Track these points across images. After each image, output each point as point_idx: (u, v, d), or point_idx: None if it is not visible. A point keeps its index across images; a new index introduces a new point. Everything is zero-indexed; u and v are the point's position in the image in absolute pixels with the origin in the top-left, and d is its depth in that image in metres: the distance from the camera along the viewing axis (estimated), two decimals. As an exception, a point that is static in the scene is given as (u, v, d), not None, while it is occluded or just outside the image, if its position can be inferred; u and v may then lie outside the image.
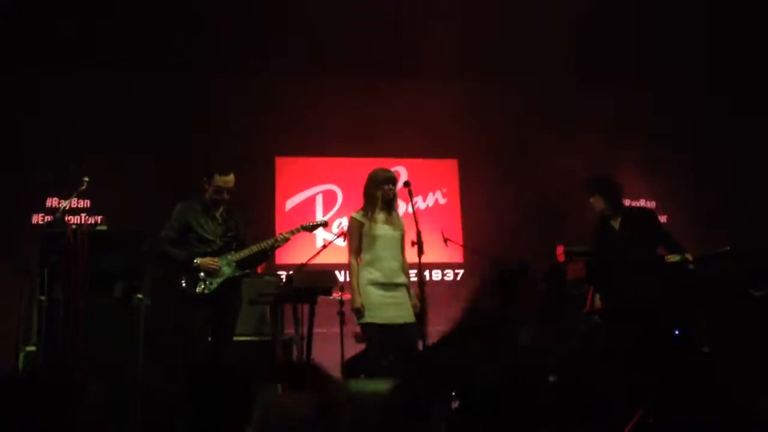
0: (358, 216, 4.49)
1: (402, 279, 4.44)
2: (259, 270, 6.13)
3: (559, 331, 5.75)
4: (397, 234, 4.49)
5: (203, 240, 4.49)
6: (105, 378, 4.16)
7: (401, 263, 4.49)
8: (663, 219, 7.00)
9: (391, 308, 4.31)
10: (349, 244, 4.49)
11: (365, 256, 4.42)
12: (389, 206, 4.51)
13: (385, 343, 4.30)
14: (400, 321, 4.33)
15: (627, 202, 7.05)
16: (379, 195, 4.46)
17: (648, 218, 5.04)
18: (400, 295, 4.38)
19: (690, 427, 3.31)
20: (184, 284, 4.36)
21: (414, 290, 4.50)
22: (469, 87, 7.72)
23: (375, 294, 4.33)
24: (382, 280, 4.34)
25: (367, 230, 4.42)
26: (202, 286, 4.37)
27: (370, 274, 4.37)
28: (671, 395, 3.41)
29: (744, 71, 7.57)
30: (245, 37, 6.79)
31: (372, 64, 7.52)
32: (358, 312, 4.33)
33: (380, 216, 4.47)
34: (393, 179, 4.56)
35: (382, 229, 4.44)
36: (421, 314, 4.41)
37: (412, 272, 4.57)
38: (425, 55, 7.55)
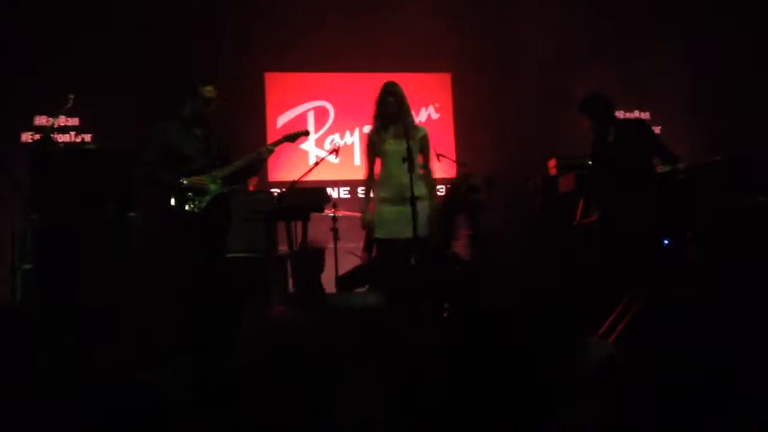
0: (370, 134, 4.46)
1: (414, 192, 4.28)
2: (251, 187, 6.13)
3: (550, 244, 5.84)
4: (406, 146, 4.34)
5: (186, 158, 4.39)
6: (99, 297, 4.23)
7: (414, 175, 4.34)
8: (657, 130, 6.96)
9: (396, 223, 4.30)
10: (363, 162, 4.50)
11: (380, 173, 4.38)
12: (393, 119, 4.42)
13: (389, 257, 4.34)
14: (404, 236, 4.31)
15: (621, 114, 7.05)
16: (378, 109, 4.40)
17: (641, 129, 5.04)
18: (409, 209, 4.29)
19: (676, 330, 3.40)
20: (173, 204, 4.34)
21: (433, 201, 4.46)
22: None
23: (383, 210, 4.33)
24: (391, 196, 4.31)
25: (378, 147, 4.36)
26: (192, 206, 4.34)
27: (381, 191, 4.35)
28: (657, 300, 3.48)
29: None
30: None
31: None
32: (367, 227, 4.35)
33: (390, 130, 4.41)
34: (389, 92, 4.43)
35: (389, 144, 4.38)
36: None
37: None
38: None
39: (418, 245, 4.32)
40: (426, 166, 4.50)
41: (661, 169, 4.58)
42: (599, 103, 4.86)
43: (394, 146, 4.37)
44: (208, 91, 4.41)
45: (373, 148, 4.41)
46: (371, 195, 4.45)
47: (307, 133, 5.07)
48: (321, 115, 7.56)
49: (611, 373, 2.14)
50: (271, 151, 4.61)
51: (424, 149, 4.48)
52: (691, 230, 4.50)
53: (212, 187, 4.41)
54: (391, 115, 4.41)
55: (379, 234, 4.34)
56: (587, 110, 4.86)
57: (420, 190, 4.37)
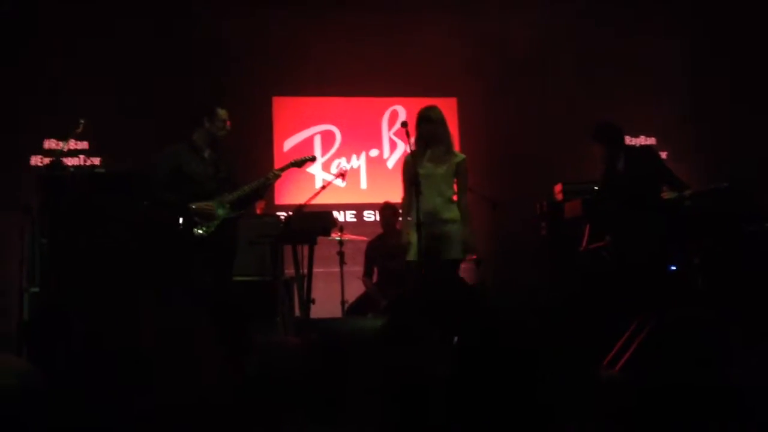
0: (408, 156, 4.51)
1: (446, 215, 4.41)
2: (258, 210, 6.16)
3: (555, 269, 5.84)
4: (441, 171, 4.44)
5: (194, 182, 4.42)
6: (104, 320, 4.23)
7: (446, 199, 4.45)
8: (662, 155, 6.97)
9: (429, 245, 4.31)
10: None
11: (416, 196, 4.42)
12: (430, 144, 4.46)
13: (422, 280, 4.35)
14: (441, 257, 4.37)
15: (627, 140, 7.06)
16: (416, 134, 4.45)
17: (649, 156, 5.11)
18: (443, 232, 4.38)
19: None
20: (181, 228, 4.36)
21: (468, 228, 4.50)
22: (469, 24, 7.58)
23: (414, 233, 4.32)
24: (423, 218, 4.30)
25: (414, 170, 4.38)
26: (200, 231, 4.37)
27: (414, 214, 4.38)
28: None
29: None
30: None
31: (372, 1, 7.37)
32: (407, 248, 4.41)
33: (426, 154, 4.45)
34: (424, 117, 4.49)
35: (424, 167, 4.41)
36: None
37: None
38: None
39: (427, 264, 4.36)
40: (460, 192, 4.52)
41: (668, 195, 4.60)
42: (610, 131, 4.95)
43: (431, 169, 4.43)
44: (223, 113, 4.49)
45: (409, 169, 4.44)
46: (408, 217, 4.46)
47: (313, 159, 5.13)
48: (328, 139, 7.61)
49: (614, 399, 2.14)
50: (278, 176, 4.67)
51: (459, 176, 4.50)
52: (698, 256, 4.50)
53: (220, 211, 4.44)
54: (425, 141, 4.47)
55: (409, 256, 4.37)
56: (599, 138, 4.94)
57: (452, 213, 4.43)
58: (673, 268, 5.27)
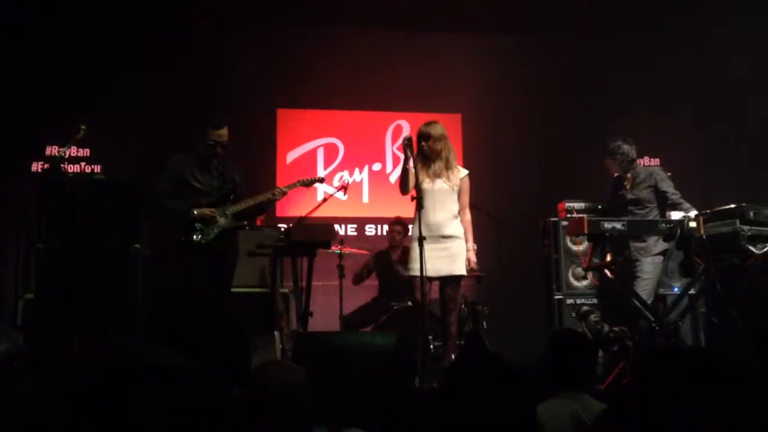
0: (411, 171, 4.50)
1: (450, 231, 4.41)
2: (258, 222, 6.12)
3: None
4: (445, 187, 4.45)
5: (199, 193, 4.45)
6: (101, 328, 4.18)
7: (450, 216, 4.44)
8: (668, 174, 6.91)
9: (432, 261, 4.27)
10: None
11: (418, 211, 4.38)
12: (430, 160, 4.47)
13: (425, 295, 4.33)
14: (440, 274, 4.37)
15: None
16: (416, 150, 4.45)
17: (656, 178, 5.09)
18: (446, 247, 4.38)
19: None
20: (182, 234, 4.35)
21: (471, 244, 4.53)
22: (474, 41, 7.58)
23: (416, 248, 4.29)
24: (426, 233, 4.28)
25: (419, 185, 4.36)
26: (199, 236, 4.36)
27: (416, 228, 4.34)
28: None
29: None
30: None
31: (377, 16, 7.37)
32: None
33: (429, 169, 4.46)
34: (423, 135, 4.51)
35: (427, 183, 4.43)
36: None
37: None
38: (431, 8, 7.41)
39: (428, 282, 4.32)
40: (462, 208, 4.54)
41: (671, 217, 4.57)
42: (619, 147, 4.93)
43: (429, 185, 4.42)
44: (214, 134, 4.45)
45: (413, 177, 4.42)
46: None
47: (321, 180, 5.20)
48: (331, 151, 7.58)
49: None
50: (284, 194, 4.71)
51: (462, 191, 4.53)
52: (704, 279, 4.44)
53: (222, 220, 4.43)
54: (425, 157, 4.46)
55: (411, 272, 4.34)
56: (609, 153, 4.93)
57: (455, 229, 4.43)
58: (676, 290, 5.21)
